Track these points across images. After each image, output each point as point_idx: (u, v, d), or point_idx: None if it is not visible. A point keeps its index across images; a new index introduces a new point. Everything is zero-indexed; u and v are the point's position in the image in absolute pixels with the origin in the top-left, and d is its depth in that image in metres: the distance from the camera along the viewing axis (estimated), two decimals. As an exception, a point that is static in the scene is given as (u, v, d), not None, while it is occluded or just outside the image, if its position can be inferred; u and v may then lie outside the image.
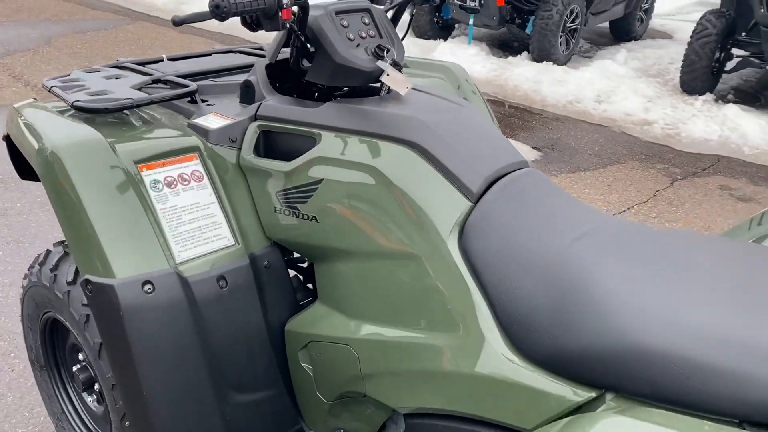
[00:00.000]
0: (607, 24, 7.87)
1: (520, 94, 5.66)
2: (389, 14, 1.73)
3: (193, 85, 1.62)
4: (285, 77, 1.67)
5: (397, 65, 1.50)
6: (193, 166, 1.47)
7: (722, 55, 5.63)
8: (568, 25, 6.43)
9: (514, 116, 5.26)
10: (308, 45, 1.47)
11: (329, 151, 1.40)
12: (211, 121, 1.55)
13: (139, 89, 1.62)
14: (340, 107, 1.44)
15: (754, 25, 5.48)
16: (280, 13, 1.33)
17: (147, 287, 1.31)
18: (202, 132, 1.52)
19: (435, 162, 1.33)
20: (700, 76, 5.56)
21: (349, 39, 1.50)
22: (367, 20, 1.57)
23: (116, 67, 1.84)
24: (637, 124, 5.07)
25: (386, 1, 1.74)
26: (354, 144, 1.39)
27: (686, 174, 4.29)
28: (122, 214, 1.33)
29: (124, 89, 1.59)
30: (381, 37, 1.58)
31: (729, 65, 5.73)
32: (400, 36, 1.74)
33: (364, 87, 1.56)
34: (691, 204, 3.86)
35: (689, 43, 5.58)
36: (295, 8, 1.39)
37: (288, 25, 1.35)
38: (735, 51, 5.69)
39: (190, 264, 1.39)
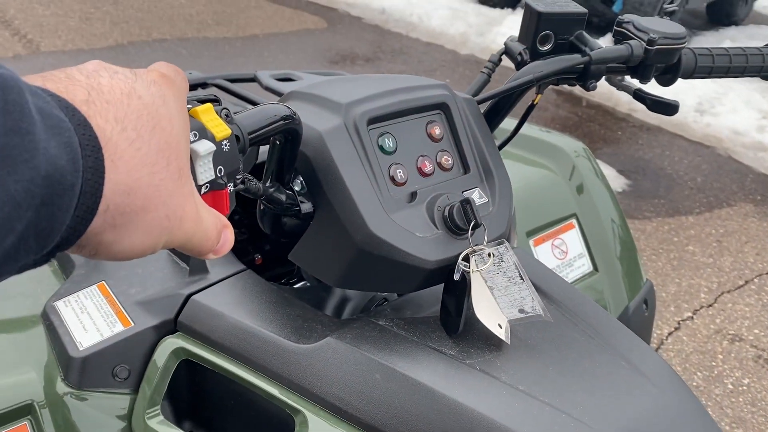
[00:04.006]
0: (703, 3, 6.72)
1: (603, 90, 4.66)
2: (483, 108, 0.85)
3: None
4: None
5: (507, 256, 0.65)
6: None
7: None
8: (665, 6, 5.34)
9: (593, 120, 4.30)
10: (296, 195, 0.64)
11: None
12: (78, 322, 0.72)
13: None
14: (355, 357, 0.63)
15: None
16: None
17: None
18: (59, 352, 0.71)
19: None
20: (828, 88, 4.49)
21: (395, 182, 0.66)
22: (438, 131, 0.71)
23: None
24: (749, 148, 4.07)
25: (480, 82, 0.85)
26: None
27: (816, 229, 3.33)
28: None
29: None
30: (466, 169, 0.71)
31: None
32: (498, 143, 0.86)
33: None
34: (829, 281, 2.92)
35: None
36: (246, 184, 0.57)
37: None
38: None
39: None
